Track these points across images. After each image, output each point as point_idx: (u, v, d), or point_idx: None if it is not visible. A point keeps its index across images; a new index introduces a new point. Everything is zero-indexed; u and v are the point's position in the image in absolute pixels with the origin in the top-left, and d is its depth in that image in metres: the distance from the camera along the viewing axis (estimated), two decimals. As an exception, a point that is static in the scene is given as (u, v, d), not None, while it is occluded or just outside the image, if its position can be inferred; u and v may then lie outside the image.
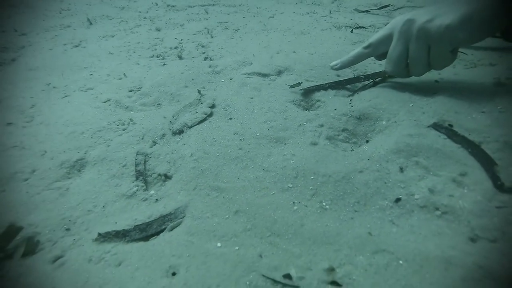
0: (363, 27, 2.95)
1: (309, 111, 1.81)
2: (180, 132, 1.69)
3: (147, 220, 1.20)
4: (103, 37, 3.09)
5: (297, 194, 1.23)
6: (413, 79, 1.97)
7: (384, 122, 1.59)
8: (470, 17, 1.46)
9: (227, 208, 1.22)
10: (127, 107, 2.01)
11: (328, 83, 2.01)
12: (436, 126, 1.47)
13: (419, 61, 1.67)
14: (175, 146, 1.60)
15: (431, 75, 2.08)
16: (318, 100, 1.88)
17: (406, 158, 1.33)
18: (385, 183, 1.23)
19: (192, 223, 1.18)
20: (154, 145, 1.65)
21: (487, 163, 1.25)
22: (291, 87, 2.01)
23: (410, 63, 1.75)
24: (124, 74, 2.35)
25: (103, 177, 1.45)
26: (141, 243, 1.14)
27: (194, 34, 3.10)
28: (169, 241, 1.12)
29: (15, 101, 2.03)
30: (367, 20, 3.51)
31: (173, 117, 1.84)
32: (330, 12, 3.95)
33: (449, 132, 1.42)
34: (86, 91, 2.18)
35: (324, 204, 1.18)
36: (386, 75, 2.06)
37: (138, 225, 1.18)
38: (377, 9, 4.05)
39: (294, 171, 1.31)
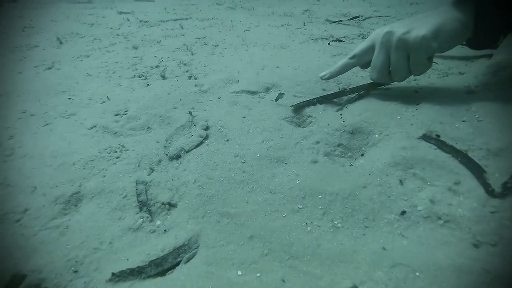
0: (340, 40, 3.08)
1: (302, 127, 1.86)
2: (178, 157, 1.67)
3: (161, 254, 1.18)
4: (77, 57, 2.97)
5: (308, 215, 1.26)
6: (395, 91, 2.09)
7: (376, 135, 1.68)
8: (442, 28, 1.65)
9: (240, 234, 1.22)
10: (116, 132, 1.95)
11: (316, 98, 2.08)
12: (426, 137, 1.57)
13: (400, 68, 1.82)
14: (174, 172, 1.58)
15: (411, 85, 2.22)
16: (310, 116, 1.94)
17: (404, 171, 1.41)
18: (389, 196, 1.30)
19: (208, 253, 1.17)
20: (152, 172, 1.61)
21: (477, 171, 1.36)
22: (276, 99, 2.07)
23: (392, 71, 1.88)
24: (107, 97, 2.28)
25: (105, 211, 1.40)
26: (159, 279, 1.11)
27: (173, 52, 3.07)
28: (188, 274, 1.10)
29: (-9, 133, 1.90)
30: (341, 32, 3.66)
31: (167, 141, 1.82)
32: (304, 24, 4.08)
33: (438, 142, 1.53)
34: (68, 118, 2.09)
35: (335, 222, 1.22)
36: (370, 88, 2.17)
37: (152, 260, 1.15)
38: (348, 19, 4.23)
39: (301, 192, 1.34)
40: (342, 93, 2.14)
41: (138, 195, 1.45)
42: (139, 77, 2.58)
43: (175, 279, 1.09)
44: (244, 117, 1.91)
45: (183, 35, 3.62)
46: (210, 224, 1.28)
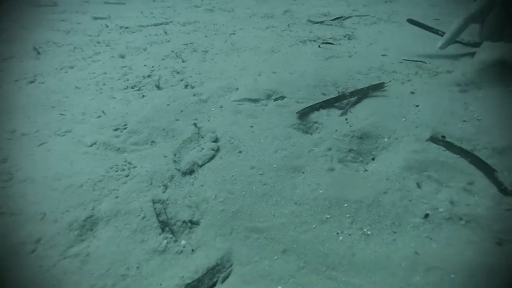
0: (329, 43, 3.13)
1: (311, 134, 1.88)
2: (191, 171, 1.64)
3: (195, 276, 1.15)
4: (61, 68, 2.82)
5: (337, 224, 1.28)
6: (391, 92, 2.17)
7: (385, 139, 1.73)
8: None
9: (273, 249, 1.22)
10: (118, 148, 1.88)
11: (318, 103, 2.11)
12: (433, 139, 1.64)
13: None
14: (191, 188, 1.54)
15: (405, 86, 2.30)
16: (316, 122, 1.96)
17: (419, 174, 1.47)
18: (410, 200, 1.35)
19: (243, 270, 1.16)
20: (166, 189, 1.57)
21: (487, 170, 1.43)
22: (275, 100, 2.11)
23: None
24: (103, 111, 2.19)
25: (124, 234, 1.35)
26: (198, 303, 1.09)
27: (163, 59, 2.99)
28: (227, 295, 1.09)
29: (-18, 157, 1.77)
30: (326, 33, 3.72)
31: (175, 155, 1.78)
32: (289, 25, 4.11)
33: (446, 144, 1.60)
34: (64, 135, 1.99)
35: (365, 230, 1.25)
36: (368, 91, 2.23)
37: (189, 283, 1.13)
38: (331, 20, 4.31)
39: (326, 201, 1.36)
40: (342, 97, 2.19)
41: (157, 215, 1.41)
42: (132, 88, 2.50)
43: (216, 301, 1.07)
44: (252, 127, 1.90)
45: (169, 41, 3.53)
46: (239, 240, 1.27)
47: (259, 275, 1.13)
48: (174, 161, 1.73)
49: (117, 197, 1.52)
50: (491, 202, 1.31)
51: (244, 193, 1.44)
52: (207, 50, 3.18)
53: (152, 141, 1.92)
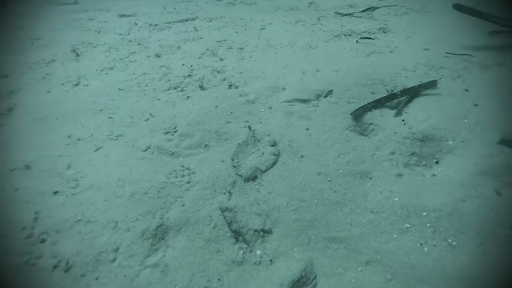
0: (368, 37, 3.05)
1: (368, 137, 1.84)
2: (254, 178, 1.62)
3: (282, 289, 1.15)
4: (101, 70, 2.83)
5: (419, 234, 1.25)
6: (443, 90, 2.09)
7: (450, 142, 1.68)
8: None
9: (355, 260, 1.21)
10: (173, 153, 1.88)
11: (370, 103, 2.06)
12: (505, 142, 1.58)
13: None
14: (257, 196, 1.53)
15: (457, 83, 2.23)
16: (371, 124, 1.92)
17: (494, 180, 1.42)
18: (491, 209, 1.31)
19: (330, 283, 1.15)
20: (231, 196, 1.57)
21: None
22: (325, 96, 2.08)
23: None
24: (150, 114, 2.19)
25: (198, 244, 1.35)
26: (289, 317, 1.09)
27: (199, 58, 2.97)
28: (318, 308, 1.08)
29: (45, 163, 1.80)
30: (360, 26, 3.63)
31: (233, 160, 1.76)
32: (318, 19, 4.02)
33: (520, 147, 1.54)
34: (117, 139, 2.00)
35: (450, 240, 1.22)
36: (419, 89, 2.16)
37: (277, 297, 1.12)
38: (359, 12, 4.20)
39: (404, 210, 1.33)
40: (393, 96, 2.13)
41: (229, 224, 1.41)
42: (175, 88, 2.49)
43: (309, 315, 1.07)
44: (308, 129, 1.87)
45: (201, 38, 3.50)
46: (319, 250, 1.26)
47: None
48: (234, 166, 1.72)
49: (183, 204, 1.52)
50: None
51: (316, 201, 1.42)
52: (243, 47, 3.14)
53: (206, 145, 1.92)
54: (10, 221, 1.46)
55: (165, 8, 5.19)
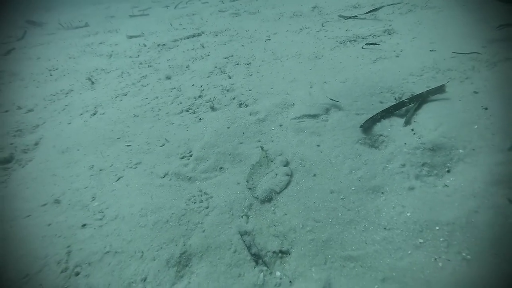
0: (373, 43, 3.06)
1: (378, 149, 1.87)
2: (269, 199, 1.68)
3: (302, 311, 1.20)
4: (116, 97, 2.96)
5: (433, 249, 1.28)
6: (452, 95, 2.09)
7: (461, 150, 1.69)
8: None
9: (371, 277, 1.25)
10: (190, 178, 1.96)
11: (378, 113, 2.09)
12: (516, 148, 1.59)
13: None
14: (273, 217, 1.59)
15: (465, 85, 2.22)
16: (381, 135, 1.95)
17: (509, 189, 1.43)
18: (506, 219, 1.32)
19: (348, 303, 1.20)
20: (248, 219, 1.63)
21: None
22: (332, 99, 2.19)
23: None
24: (166, 139, 2.28)
25: (220, 269, 1.42)
26: (311, 339, 1.14)
27: (208, 77, 3.06)
28: (338, 329, 1.13)
29: (72, 196, 1.91)
30: (363, 29, 3.63)
31: (248, 181, 1.83)
32: (322, 25, 4.04)
33: (531, 152, 1.54)
34: (136, 167, 2.10)
35: (464, 254, 1.25)
36: (427, 95, 2.17)
37: (299, 319, 1.18)
38: (363, 14, 4.19)
39: (417, 225, 1.36)
40: (401, 104, 2.15)
41: (248, 248, 1.48)
42: (187, 111, 2.58)
43: (331, 337, 1.12)
44: (319, 146, 1.92)
45: (208, 55, 3.60)
46: (336, 270, 1.31)
47: (365, 308, 1.16)
48: (249, 188, 1.78)
49: (203, 230, 1.60)
50: None
51: (330, 220, 1.47)
52: (250, 62, 3.21)
53: (221, 168, 1.99)
54: (46, 256, 1.57)
55: (171, 25, 5.33)
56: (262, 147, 1.99)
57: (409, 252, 1.29)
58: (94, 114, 2.75)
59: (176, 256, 1.50)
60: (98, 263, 1.52)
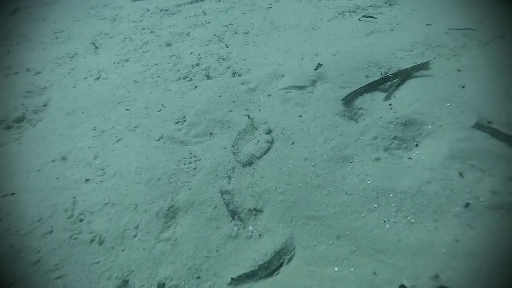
0: (370, 16, 3.05)
1: (356, 121, 2.01)
2: (250, 163, 1.87)
3: (266, 258, 1.43)
4: (118, 62, 3.09)
5: (384, 213, 1.47)
6: (436, 71, 2.16)
7: (429, 126, 1.81)
8: None
9: (328, 235, 1.45)
10: (182, 141, 2.15)
11: (362, 87, 2.19)
12: (479, 126, 1.70)
13: None
14: (252, 180, 1.79)
15: (451, 62, 2.28)
16: (360, 108, 2.07)
17: (462, 163, 1.57)
18: (452, 190, 1.48)
19: (305, 253, 1.41)
20: (230, 180, 1.83)
21: (531, 158, 1.50)
22: (315, 69, 2.33)
23: None
24: (162, 105, 2.45)
25: (201, 222, 1.65)
26: (270, 280, 1.37)
27: (207, 45, 3.14)
28: (293, 273, 1.36)
29: (77, 154, 2.13)
30: (365, 0, 3.58)
31: (233, 146, 2.01)
32: (326, -8, 3.97)
33: (492, 131, 1.66)
34: (134, 130, 2.29)
35: (409, 218, 1.43)
36: (412, 71, 2.25)
37: (261, 264, 1.41)
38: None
39: (374, 192, 1.54)
40: (386, 79, 2.24)
41: (227, 205, 1.69)
42: (184, 78, 2.72)
43: (285, 279, 1.35)
44: (301, 116, 2.06)
45: (209, 22, 3.64)
46: (299, 227, 1.51)
47: (318, 257, 1.38)
48: (234, 152, 1.97)
49: (190, 188, 1.81)
50: (533, 190, 1.40)
51: (300, 184, 1.65)
52: (248, 32, 3.26)
53: (211, 133, 2.16)
54: (55, 204, 1.82)
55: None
56: (248, 116, 2.14)
57: (363, 214, 1.48)
58: (98, 78, 2.91)
59: (164, 209, 1.73)
60: (99, 212, 1.76)
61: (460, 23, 2.77)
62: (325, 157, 1.76)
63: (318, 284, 1.29)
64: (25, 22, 4.40)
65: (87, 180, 1.95)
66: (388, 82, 2.23)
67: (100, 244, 1.61)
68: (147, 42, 3.39)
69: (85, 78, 2.92)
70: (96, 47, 3.41)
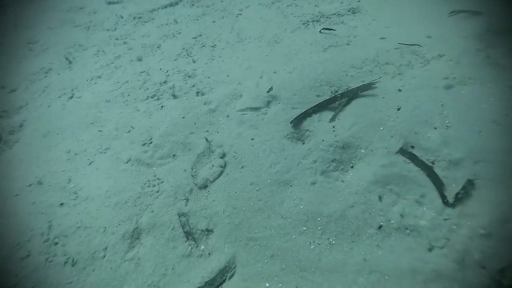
0: (331, 29, 3.20)
1: (303, 143, 2.23)
2: (205, 186, 2.10)
3: (211, 276, 1.70)
4: (91, 79, 3.24)
5: (311, 235, 1.73)
6: (380, 90, 2.38)
7: (363, 150, 2.05)
8: None
9: (264, 254, 1.72)
10: (148, 163, 2.37)
11: (311, 108, 2.40)
12: (402, 152, 1.94)
13: None
14: (205, 202, 2.03)
15: (395, 81, 2.49)
16: (307, 130, 2.29)
17: (383, 187, 1.83)
18: (370, 213, 1.74)
19: (243, 271, 1.68)
20: (187, 202, 2.07)
21: (438, 183, 1.76)
22: (268, 91, 2.53)
23: None
24: (131, 126, 2.64)
25: (161, 242, 1.90)
26: (213, 294, 1.64)
27: (175, 59, 3.29)
28: (232, 289, 1.63)
29: (52, 178, 2.35)
30: (331, 6, 3.71)
31: (192, 169, 2.24)
32: (294, -3, 4.08)
33: (411, 156, 1.90)
34: (105, 152, 2.50)
35: (331, 240, 1.69)
36: (358, 91, 2.46)
37: (207, 281, 1.67)
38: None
39: (305, 216, 1.79)
40: (334, 99, 2.45)
41: (183, 226, 1.94)
42: (152, 97, 2.89)
43: (225, 294, 1.62)
44: (253, 139, 2.28)
45: (180, 33, 3.76)
46: (241, 247, 1.77)
47: (254, 274, 1.65)
48: (192, 175, 2.20)
49: (152, 211, 2.05)
50: (434, 213, 1.67)
51: (244, 208, 1.90)
52: (215, 45, 3.41)
53: (174, 155, 2.38)
54: (32, 229, 2.06)
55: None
56: (206, 139, 2.35)
57: (294, 237, 1.74)
58: (71, 97, 3.07)
59: (130, 231, 1.98)
60: (72, 235, 2.00)
61: (412, 36, 2.95)
62: (268, 181, 2.00)
63: (251, 299, 1.56)
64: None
65: (61, 204, 2.17)
66: (337, 102, 2.44)
67: (73, 265, 1.86)
68: (119, 56, 3.52)
69: (59, 97, 3.08)
70: (70, 62, 3.54)
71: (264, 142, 2.24)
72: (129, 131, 2.63)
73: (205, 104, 2.68)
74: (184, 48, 3.44)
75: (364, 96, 2.42)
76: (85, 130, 2.72)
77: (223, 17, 3.97)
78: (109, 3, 4.98)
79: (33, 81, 3.32)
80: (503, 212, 1.57)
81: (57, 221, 2.08)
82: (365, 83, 2.50)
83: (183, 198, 2.08)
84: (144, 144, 2.50)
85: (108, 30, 4.17)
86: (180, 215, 1.99)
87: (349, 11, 3.57)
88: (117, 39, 3.91)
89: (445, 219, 1.63)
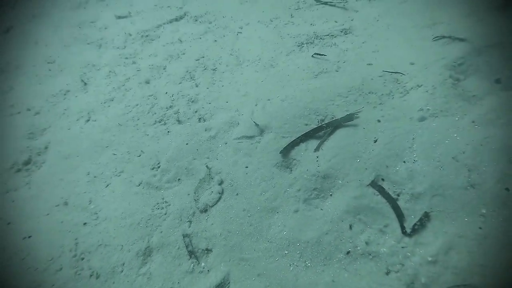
0: (322, 54, 3.44)
1: (290, 171, 2.56)
2: (205, 210, 2.47)
3: (209, 290, 2.08)
4: (105, 102, 3.59)
5: (291, 258, 2.08)
6: (362, 121, 2.67)
7: (340, 181, 2.37)
8: None
9: (252, 273, 2.09)
10: (157, 187, 2.74)
11: (298, 137, 2.71)
12: (373, 184, 2.26)
13: None
14: (205, 225, 2.40)
15: (376, 112, 2.77)
16: (294, 159, 2.62)
17: (354, 217, 2.16)
18: (341, 240, 2.08)
19: (235, 287, 2.06)
20: (191, 224, 2.44)
21: (399, 215, 2.08)
22: (256, 125, 2.80)
23: None
24: (141, 151, 3.00)
25: (168, 260, 2.29)
26: (211, 306, 2.03)
27: (180, 83, 3.61)
28: (226, 302, 2.01)
29: (76, 199, 2.75)
30: (325, 26, 3.94)
31: (195, 193, 2.60)
32: (291, 15, 4.31)
33: (380, 189, 2.22)
34: (119, 175, 2.88)
35: (307, 263, 2.05)
36: (342, 121, 2.75)
37: (205, 296, 2.06)
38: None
39: (287, 241, 2.15)
40: (320, 128, 2.75)
41: (186, 246, 2.31)
42: (159, 122, 3.24)
43: (220, 307, 2.00)
44: (247, 167, 2.62)
45: (184, 53, 4.05)
46: (234, 266, 2.14)
47: (244, 290, 2.02)
48: (195, 199, 2.56)
49: (161, 232, 2.43)
50: (394, 241, 2.00)
51: (237, 232, 2.26)
52: (216, 68, 3.70)
53: (179, 179, 2.75)
54: (62, 245, 2.47)
55: (155, 5, 5.51)
56: (207, 166, 2.70)
57: (277, 259, 2.10)
58: (88, 120, 3.44)
59: (142, 249, 2.37)
60: (95, 252, 2.40)
61: (397, 61, 3.20)
62: (258, 208, 2.35)
63: (240, 311, 1.94)
64: (19, 46, 4.81)
65: (84, 223, 2.57)
66: (323, 131, 2.74)
67: (97, 278, 2.27)
68: (129, 79, 3.85)
69: (77, 120, 3.45)
70: (85, 84, 3.89)
71: (256, 170, 2.58)
72: (139, 155, 2.99)
73: (206, 130, 3.01)
74: (187, 71, 3.74)
75: (347, 126, 2.72)
76: (102, 154, 3.09)
77: (224, 36, 4.23)
78: (118, 17, 5.27)
79: (53, 103, 3.69)
80: (448, 241, 1.89)
81: (82, 239, 2.48)
82: (348, 113, 2.79)
83: (187, 220, 2.45)
84: (153, 168, 2.86)
85: (118, 48, 4.48)
86: (184, 236, 2.37)
87: (341, 31, 3.80)
88: (126, 58, 4.23)
89: (402, 247, 1.96)
